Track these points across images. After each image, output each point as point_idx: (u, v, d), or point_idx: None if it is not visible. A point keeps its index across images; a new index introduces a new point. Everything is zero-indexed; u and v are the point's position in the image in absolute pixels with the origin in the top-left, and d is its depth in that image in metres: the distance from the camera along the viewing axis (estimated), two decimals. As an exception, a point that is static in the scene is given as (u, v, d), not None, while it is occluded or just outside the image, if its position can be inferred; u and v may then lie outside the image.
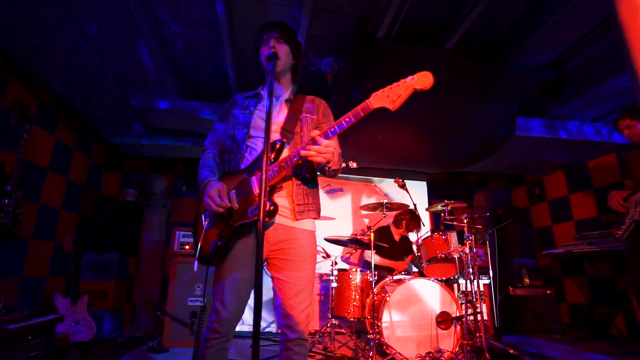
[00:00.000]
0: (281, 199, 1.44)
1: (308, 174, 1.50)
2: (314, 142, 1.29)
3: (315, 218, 1.50)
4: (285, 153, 1.41)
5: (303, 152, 1.29)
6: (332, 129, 1.30)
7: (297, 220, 1.43)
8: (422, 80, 1.26)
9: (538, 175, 5.28)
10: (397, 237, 3.95)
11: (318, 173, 1.56)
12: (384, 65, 2.77)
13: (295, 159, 1.33)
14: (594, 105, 3.71)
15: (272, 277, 1.44)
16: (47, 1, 2.30)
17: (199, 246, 1.40)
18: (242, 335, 3.74)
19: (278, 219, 1.42)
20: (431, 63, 2.80)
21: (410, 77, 1.27)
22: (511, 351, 2.82)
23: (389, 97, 1.27)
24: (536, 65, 3.01)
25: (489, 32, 2.77)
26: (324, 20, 2.62)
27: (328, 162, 1.36)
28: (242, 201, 1.38)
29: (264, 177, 1.11)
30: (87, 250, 3.88)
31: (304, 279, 1.40)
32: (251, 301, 1.23)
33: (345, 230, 4.79)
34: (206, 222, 1.43)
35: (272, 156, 1.37)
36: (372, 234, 2.98)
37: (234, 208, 1.38)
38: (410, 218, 3.83)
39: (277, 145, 1.39)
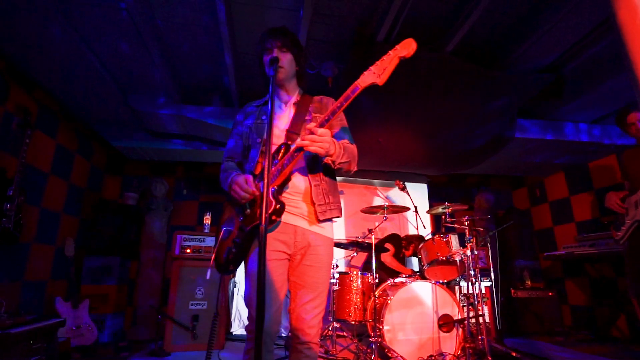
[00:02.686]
0: (301, 203, 1.44)
1: (325, 173, 1.51)
2: (310, 133, 1.30)
3: (338, 217, 1.50)
4: None
5: (298, 143, 1.31)
6: (326, 117, 1.32)
7: (320, 221, 1.44)
8: (405, 47, 1.28)
9: (538, 176, 5.27)
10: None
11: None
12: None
13: (295, 153, 1.34)
14: (594, 107, 3.71)
15: (290, 280, 1.45)
16: (47, 7, 2.32)
17: (214, 254, 1.43)
18: (244, 338, 3.73)
19: (300, 222, 1.43)
20: (431, 66, 2.81)
21: (392, 50, 1.29)
22: (513, 354, 2.81)
23: (375, 73, 1.29)
24: (535, 67, 3.02)
25: (489, 35, 2.79)
26: (323, 24, 2.63)
27: (329, 155, 1.36)
28: (254, 205, 1.40)
29: (265, 181, 1.13)
30: (88, 254, 3.88)
31: (321, 285, 1.42)
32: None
33: (346, 233, 4.78)
34: (224, 232, 1.45)
35: (278, 159, 1.40)
36: (372, 237, 2.98)
37: (245, 214, 1.40)
38: (418, 244, 3.79)
39: (282, 149, 1.40)
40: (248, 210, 1.39)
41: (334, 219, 1.51)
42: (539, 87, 3.14)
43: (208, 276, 1.40)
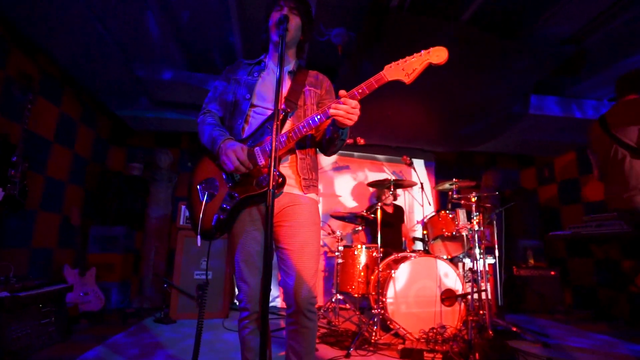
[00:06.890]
0: (286, 169, 1.42)
1: (311, 149, 1.49)
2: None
3: (316, 194, 1.48)
4: (288, 124, 1.40)
5: (332, 111, 1.25)
6: (352, 95, 1.26)
7: (304, 193, 1.42)
8: (438, 54, 1.24)
9: (548, 156, 5.19)
10: (390, 209, 3.96)
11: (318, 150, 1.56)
12: (396, 37, 2.67)
13: (320, 117, 1.28)
14: (612, 84, 3.56)
15: (276, 247, 1.39)
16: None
17: (199, 221, 1.35)
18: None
19: (285, 187, 1.38)
20: (446, 35, 2.69)
21: (425, 51, 1.25)
22: (514, 329, 2.84)
23: (404, 70, 1.25)
24: (555, 38, 2.88)
25: (507, 4, 2.64)
26: (335, -13, 2.51)
27: (347, 127, 1.33)
28: (246, 173, 1.34)
29: (273, 145, 1.11)
30: (94, 224, 3.91)
31: (311, 244, 1.36)
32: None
33: (350, 207, 4.78)
34: (204, 195, 1.38)
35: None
36: (378, 210, 2.96)
37: (236, 180, 1.35)
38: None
39: (281, 116, 1.35)
40: (239, 177, 1.35)
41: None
42: (559, 60, 3.01)
43: (199, 243, 1.36)
